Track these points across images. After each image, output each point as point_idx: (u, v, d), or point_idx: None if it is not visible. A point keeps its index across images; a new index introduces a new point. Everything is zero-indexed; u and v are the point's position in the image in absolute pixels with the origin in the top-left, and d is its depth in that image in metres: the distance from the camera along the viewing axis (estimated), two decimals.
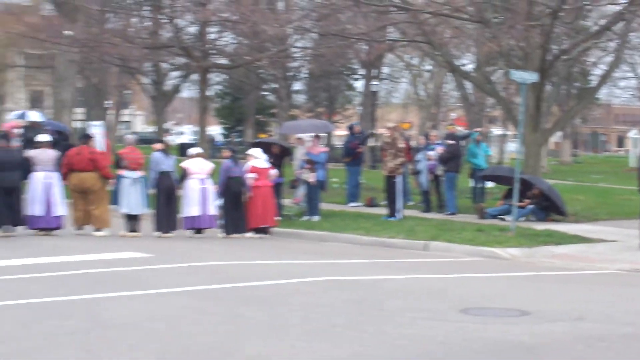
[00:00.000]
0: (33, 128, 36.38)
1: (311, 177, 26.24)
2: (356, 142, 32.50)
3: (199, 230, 23.12)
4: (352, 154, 32.29)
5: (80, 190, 22.64)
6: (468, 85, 57.77)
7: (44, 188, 22.26)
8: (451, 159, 28.47)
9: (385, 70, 67.52)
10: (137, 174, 23.20)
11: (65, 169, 22.66)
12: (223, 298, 14.23)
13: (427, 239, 22.32)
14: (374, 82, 60.18)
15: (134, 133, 42.56)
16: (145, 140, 52.51)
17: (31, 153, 22.95)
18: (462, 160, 30.39)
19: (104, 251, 19.55)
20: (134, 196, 22.97)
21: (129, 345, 10.75)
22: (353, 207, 30.12)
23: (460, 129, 42.11)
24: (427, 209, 28.84)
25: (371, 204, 30.21)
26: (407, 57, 65.71)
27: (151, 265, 17.69)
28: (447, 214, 27.72)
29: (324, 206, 27.37)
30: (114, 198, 23.33)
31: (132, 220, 23.01)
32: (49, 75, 66.74)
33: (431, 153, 28.69)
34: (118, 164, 23.34)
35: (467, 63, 51.10)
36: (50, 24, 46.78)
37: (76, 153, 22.90)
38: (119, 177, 23.14)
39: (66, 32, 40.91)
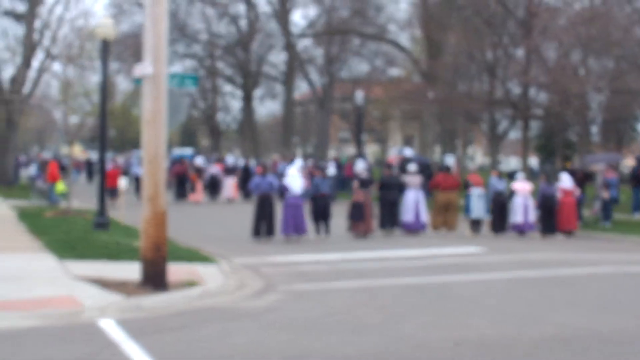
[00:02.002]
0: (407, 160, 37.20)
1: (606, 194, 25.40)
2: None
3: (522, 232, 22.67)
4: (638, 178, 30.75)
5: (445, 204, 22.82)
6: None
7: (414, 202, 22.59)
8: None
9: None
10: (481, 190, 23.02)
11: (432, 188, 23.06)
12: (535, 280, 14.00)
13: None
14: None
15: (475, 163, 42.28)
16: (482, 169, 52.58)
17: (406, 178, 23.42)
18: None
19: (452, 246, 19.62)
20: (479, 206, 22.81)
21: (469, 313, 10.75)
22: (638, 217, 28.48)
23: None
24: None
25: None
26: None
27: (486, 257, 17.58)
28: None
29: (615, 216, 26.17)
30: (466, 208, 23.14)
31: (476, 224, 22.85)
32: (417, 123, 67.86)
33: None
34: (467, 185, 23.23)
35: None
36: (418, 88, 47.61)
37: (443, 179, 23.11)
38: (467, 195, 23.04)
39: (429, 94, 41.52)
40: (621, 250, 19.67)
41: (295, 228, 20.22)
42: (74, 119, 29.27)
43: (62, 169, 35.98)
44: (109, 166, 36.52)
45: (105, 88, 21.45)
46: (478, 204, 22.79)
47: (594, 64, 44.51)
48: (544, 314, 10.73)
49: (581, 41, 33.79)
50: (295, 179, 20.53)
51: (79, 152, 71.76)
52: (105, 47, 20.83)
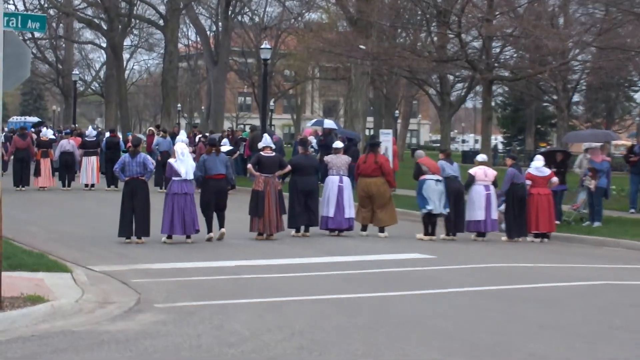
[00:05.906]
0: (328, 135, 37.28)
1: (592, 184, 25.58)
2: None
3: (481, 234, 22.84)
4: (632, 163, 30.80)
5: (368, 194, 22.73)
6: None
7: (337, 191, 22.50)
8: None
9: None
10: (437, 176, 22.72)
11: (356, 175, 22.94)
12: (502, 298, 14.11)
13: None
14: None
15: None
16: (429, 148, 52.96)
17: (327, 158, 23.36)
18: None
19: (391, 252, 19.69)
20: (437, 197, 22.52)
21: (413, 341, 10.77)
22: (633, 213, 28.85)
23: None
24: None
25: None
26: None
27: (434, 266, 17.69)
28: None
29: (605, 212, 26.44)
30: (420, 200, 22.77)
31: (430, 222, 22.66)
32: (343, 86, 68.19)
33: None
34: (419, 171, 22.88)
35: None
36: (346, 39, 47.63)
37: (363, 161, 23.06)
38: (421, 181, 22.72)
39: (360, 47, 41.60)
40: (611, 259, 20.01)
41: (182, 226, 19.94)
42: None
43: None
44: None
45: None
46: (435, 193, 22.39)
47: (577, 11, 45.27)
48: (510, 342, 10.83)
49: None
50: (184, 158, 20.27)
51: None
52: None
